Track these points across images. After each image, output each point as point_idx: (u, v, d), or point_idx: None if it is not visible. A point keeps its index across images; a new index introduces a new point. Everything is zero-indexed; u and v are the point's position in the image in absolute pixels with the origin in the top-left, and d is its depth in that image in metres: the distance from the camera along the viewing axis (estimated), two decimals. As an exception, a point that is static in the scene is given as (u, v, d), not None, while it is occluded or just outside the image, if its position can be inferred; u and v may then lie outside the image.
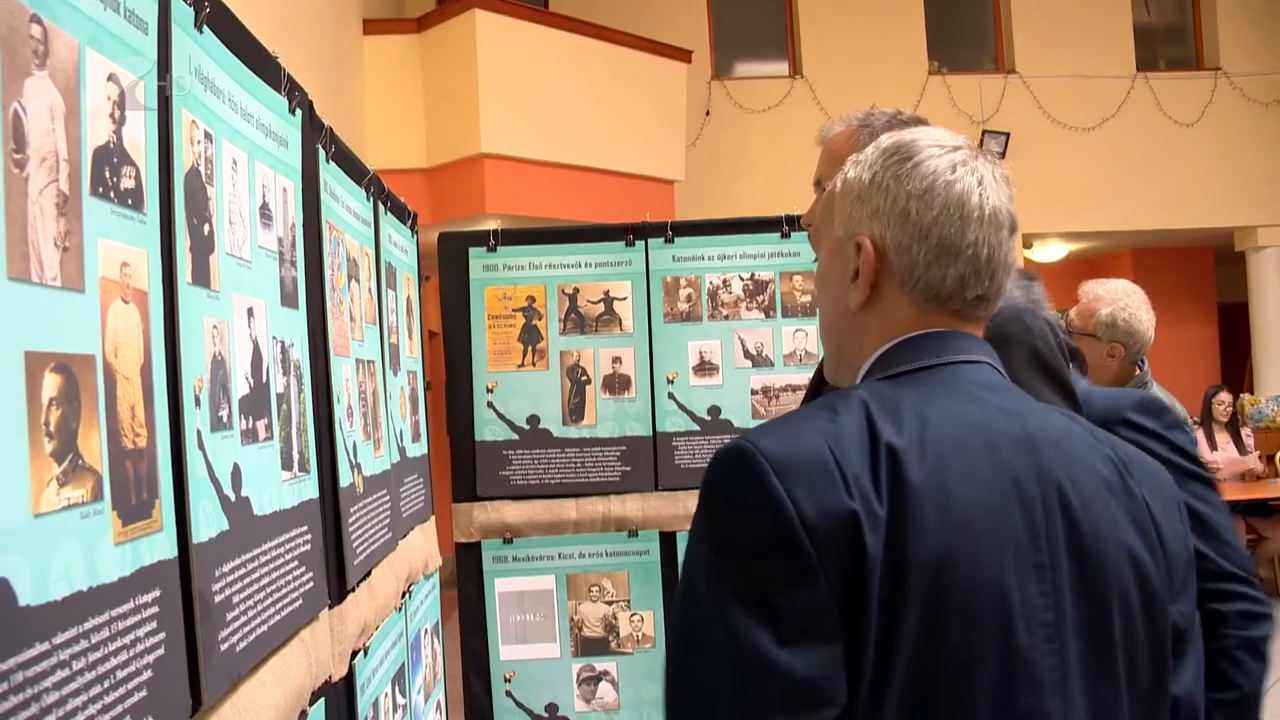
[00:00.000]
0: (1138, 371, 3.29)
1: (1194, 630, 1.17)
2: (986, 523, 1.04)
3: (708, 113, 10.41)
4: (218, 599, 1.40)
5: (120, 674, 1.10)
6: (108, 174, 1.15)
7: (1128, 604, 1.09)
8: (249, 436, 1.58)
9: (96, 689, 1.05)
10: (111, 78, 1.18)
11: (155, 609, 1.20)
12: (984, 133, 10.52)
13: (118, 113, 1.19)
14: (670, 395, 3.90)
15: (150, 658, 1.18)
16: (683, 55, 8.99)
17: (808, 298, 3.90)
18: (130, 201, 1.21)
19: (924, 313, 1.16)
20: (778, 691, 0.97)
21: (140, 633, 1.16)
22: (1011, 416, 1.11)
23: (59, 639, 0.99)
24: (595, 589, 3.88)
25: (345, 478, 2.16)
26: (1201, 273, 12.32)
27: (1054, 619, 1.04)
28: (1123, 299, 3.17)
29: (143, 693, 1.15)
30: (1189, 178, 10.88)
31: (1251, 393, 10.84)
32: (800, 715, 0.97)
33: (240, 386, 1.56)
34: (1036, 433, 1.11)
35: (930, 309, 1.16)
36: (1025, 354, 1.66)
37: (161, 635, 1.21)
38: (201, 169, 1.46)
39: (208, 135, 1.49)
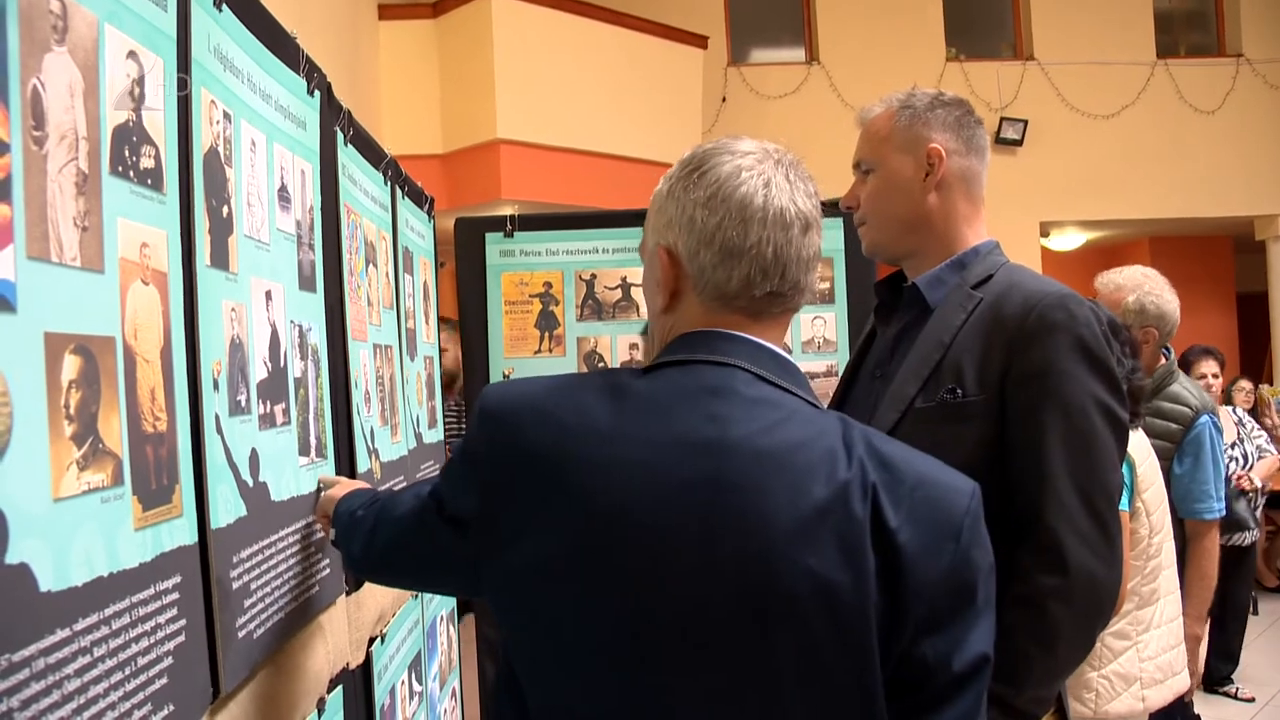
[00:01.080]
0: (1163, 360, 3.26)
1: (954, 669, 1.11)
2: (644, 515, 1.11)
3: (724, 99, 10.37)
4: (236, 586, 1.39)
5: (141, 661, 1.09)
6: (127, 153, 1.14)
7: (803, 622, 1.08)
8: (267, 421, 1.57)
9: (118, 675, 1.04)
10: (131, 55, 1.16)
11: (176, 595, 1.19)
12: (1002, 120, 10.46)
13: (137, 90, 1.17)
14: (687, 382, 3.88)
15: (171, 645, 1.16)
16: (699, 41, 8.95)
17: (826, 284, 3.87)
18: (150, 181, 1.19)
19: (710, 312, 1.23)
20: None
21: (161, 619, 1.14)
22: (715, 423, 1.15)
23: (80, 625, 0.97)
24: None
25: (363, 463, 2.14)
26: (1220, 262, 12.23)
27: (694, 622, 1.09)
28: (1145, 283, 3.14)
29: (164, 680, 1.13)
30: (1208, 166, 10.79)
31: (1271, 383, 10.75)
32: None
33: (258, 370, 1.55)
34: (737, 442, 1.13)
35: (717, 308, 1.23)
36: (1069, 342, 1.63)
37: (182, 622, 1.20)
38: (220, 150, 1.44)
39: (226, 115, 1.47)
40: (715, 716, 1.09)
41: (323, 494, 1.72)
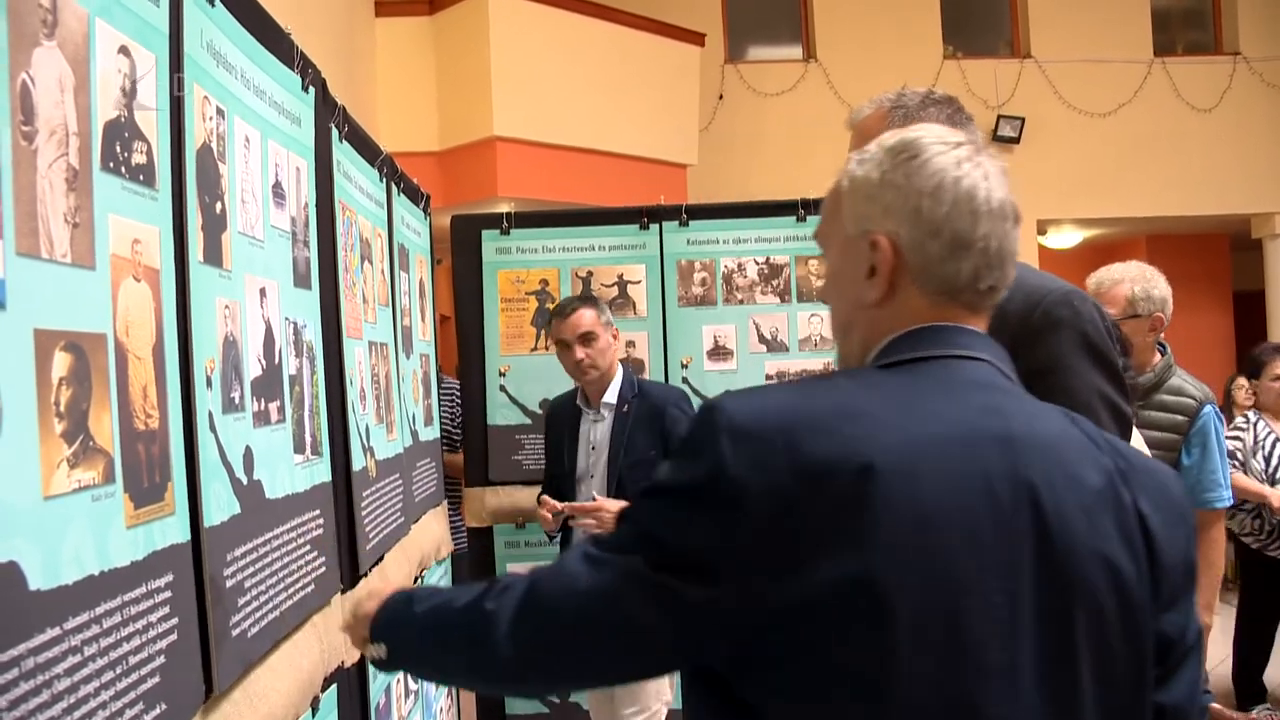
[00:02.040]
0: (1159, 357, 3.27)
1: (1187, 641, 1.17)
2: (946, 517, 1.05)
3: (721, 96, 10.34)
4: (229, 584, 1.38)
5: (133, 659, 1.08)
6: (119, 149, 1.13)
7: (1098, 610, 1.09)
8: (261, 419, 1.56)
9: (109, 675, 1.03)
10: (123, 50, 1.15)
11: (168, 594, 1.18)
12: (999, 117, 10.44)
13: (129, 86, 1.16)
14: (684, 380, 3.87)
15: (163, 643, 1.15)
16: (696, 38, 8.93)
17: (823, 282, 3.87)
18: (142, 178, 1.18)
19: (935, 305, 1.18)
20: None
21: (153, 618, 1.14)
22: (996, 415, 1.12)
23: (70, 624, 0.97)
24: (607, 574, 3.85)
25: (358, 461, 2.14)
26: (1217, 260, 12.22)
27: (1009, 618, 1.06)
28: (1142, 272, 3.19)
29: (155, 679, 1.12)
30: (1205, 164, 10.78)
31: (1267, 381, 10.75)
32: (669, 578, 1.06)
33: (252, 368, 1.54)
34: (1021, 434, 1.11)
35: (942, 302, 1.18)
36: (1074, 337, 1.64)
37: (174, 620, 1.19)
38: (214, 146, 1.43)
39: (220, 112, 1.47)
40: (1027, 711, 1.08)
41: (355, 609, 1.33)
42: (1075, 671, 1.09)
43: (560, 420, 3.43)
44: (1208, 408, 3.26)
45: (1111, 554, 1.10)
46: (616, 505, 3.24)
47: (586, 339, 3.26)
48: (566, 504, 3.14)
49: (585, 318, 3.27)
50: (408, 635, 1.27)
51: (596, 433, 3.36)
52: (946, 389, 1.13)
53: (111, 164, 1.11)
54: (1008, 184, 1.19)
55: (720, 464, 1.06)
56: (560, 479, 3.37)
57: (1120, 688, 1.12)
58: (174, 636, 1.18)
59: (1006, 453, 1.10)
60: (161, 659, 1.15)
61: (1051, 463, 1.11)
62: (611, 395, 3.35)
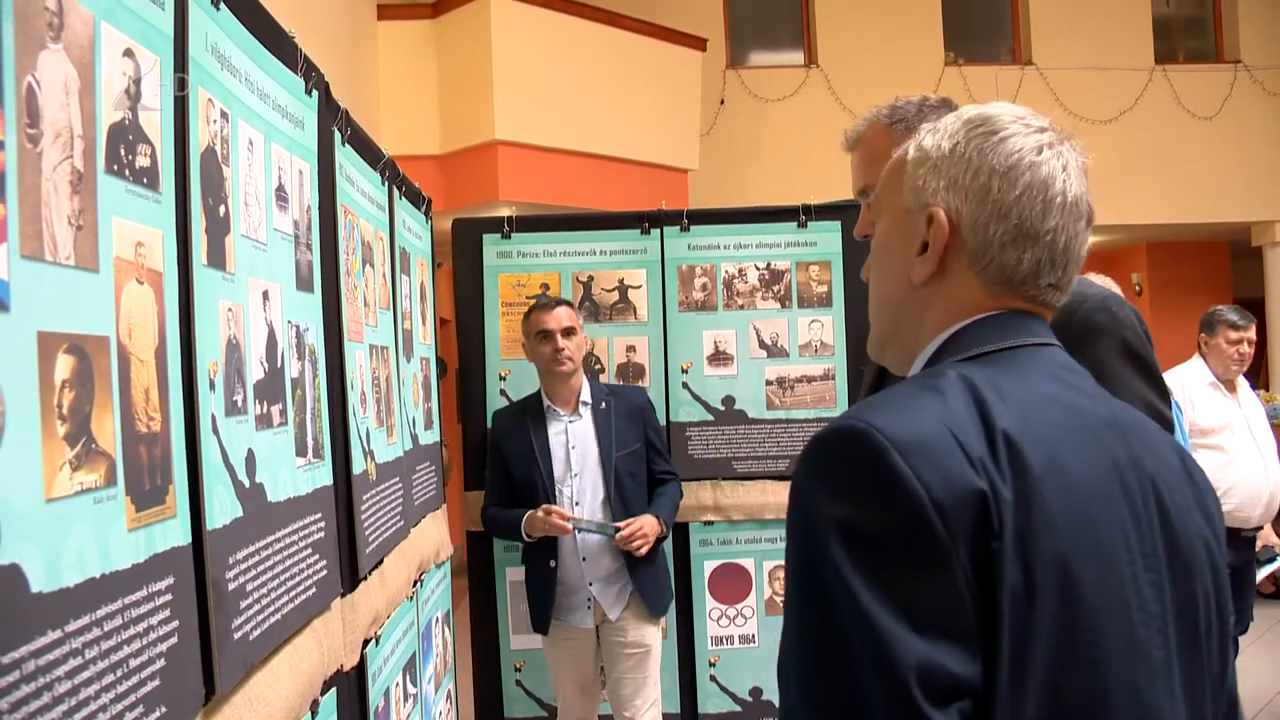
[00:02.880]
0: None
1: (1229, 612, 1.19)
2: (1102, 511, 1.01)
3: (722, 101, 10.36)
4: (231, 587, 1.38)
5: (133, 663, 1.08)
6: (123, 152, 1.13)
7: (1207, 593, 1.08)
8: (263, 422, 1.56)
9: (109, 678, 1.03)
10: (128, 53, 1.15)
11: (169, 596, 1.18)
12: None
13: (134, 89, 1.16)
14: (684, 385, 3.88)
15: (164, 646, 1.15)
16: (698, 43, 8.94)
17: (824, 288, 3.87)
18: (145, 180, 1.18)
19: (993, 296, 1.11)
20: (923, 688, 0.90)
21: (154, 620, 1.13)
22: (1098, 402, 1.09)
23: (71, 626, 0.97)
24: (607, 579, 3.85)
25: (358, 465, 2.14)
26: (1217, 268, 12.23)
27: (1160, 610, 1.03)
28: (1112, 287, 3.20)
29: (156, 681, 1.12)
30: (1206, 172, 10.79)
31: (1268, 389, 10.77)
32: (946, 708, 0.91)
33: (255, 371, 1.54)
34: (1120, 420, 1.08)
35: (1000, 293, 1.11)
36: (1114, 344, 1.63)
37: (175, 623, 1.19)
38: (218, 149, 1.43)
39: (224, 115, 1.47)
40: (1179, 706, 1.05)
41: None
42: (1201, 660, 1.07)
43: (516, 430, 3.48)
44: (1173, 399, 3.36)
45: (1205, 535, 1.10)
46: (652, 522, 3.31)
47: (569, 332, 3.39)
48: (589, 521, 3.25)
49: (568, 312, 3.44)
50: None
51: (576, 432, 3.40)
52: (1054, 379, 1.08)
53: (115, 167, 1.11)
54: (1087, 182, 1.12)
55: (910, 491, 0.92)
56: (525, 487, 3.41)
57: (1220, 673, 1.11)
58: (175, 639, 1.18)
59: (1120, 439, 1.07)
60: (162, 661, 1.14)
61: (1150, 447, 1.09)
62: (587, 394, 3.46)
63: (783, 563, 4.00)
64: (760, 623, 3.87)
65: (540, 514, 3.29)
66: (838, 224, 3.88)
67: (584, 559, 3.36)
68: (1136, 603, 1.01)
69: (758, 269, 3.89)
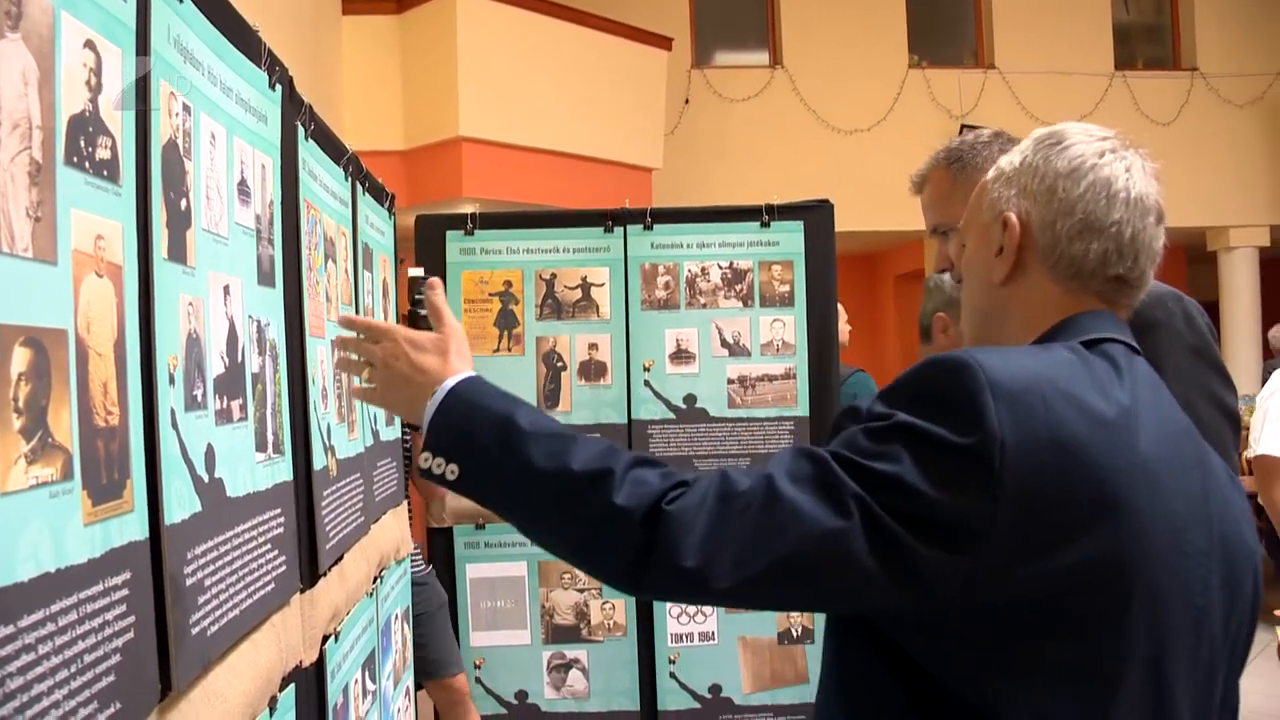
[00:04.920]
0: None
1: None
2: (1178, 502, 1.07)
3: (687, 101, 10.38)
4: (189, 582, 1.37)
5: (88, 658, 1.07)
6: (83, 143, 1.12)
7: (1245, 594, 1.14)
8: (223, 417, 1.55)
9: (63, 673, 1.02)
10: (89, 44, 1.14)
11: (125, 591, 1.17)
12: (963, 127, 10.53)
13: (94, 80, 1.15)
14: (646, 383, 3.88)
15: (119, 641, 1.15)
16: (663, 43, 8.96)
17: (786, 288, 3.89)
18: (106, 173, 1.17)
19: (1068, 292, 1.18)
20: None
21: (109, 615, 1.13)
22: (1173, 405, 1.15)
23: (24, 622, 0.96)
24: (567, 576, 3.86)
25: (319, 460, 2.13)
26: (1173, 272, 12.36)
27: (1209, 606, 1.09)
28: None
29: (111, 677, 1.12)
30: (1163, 177, 10.80)
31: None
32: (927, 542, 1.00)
33: (215, 365, 1.53)
34: (1192, 430, 1.16)
35: (1074, 288, 1.18)
36: (1172, 338, 1.64)
37: (132, 619, 1.18)
38: (180, 142, 1.42)
39: (186, 108, 1.46)
40: (1197, 693, 1.10)
41: (391, 355, 1.27)
42: (1233, 664, 1.15)
43: None
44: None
45: (1249, 538, 1.16)
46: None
47: None
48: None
49: None
50: (507, 475, 1.13)
51: None
52: (1133, 373, 1.13)
53: (75, 159, 1.10)
54: (1156, 185, 1.21)
55: (987, 424, 1.00)
56: None
57: (1238, 670, 1.18)
58: (131, 635, 1.18)
59: (1193, 440, 1.14)
60: (118, 657, 1.14)
61: (1206, 450, 1.16)
62: None
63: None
64: (720, 620, 3.88)
65: None
66: (800, 224, 3.90)
67: None
68: (1201, 602, 1.08)
69: (720, 268, 3.91)
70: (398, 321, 3.77)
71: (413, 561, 3.70)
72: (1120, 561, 1.01)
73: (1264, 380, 5.94)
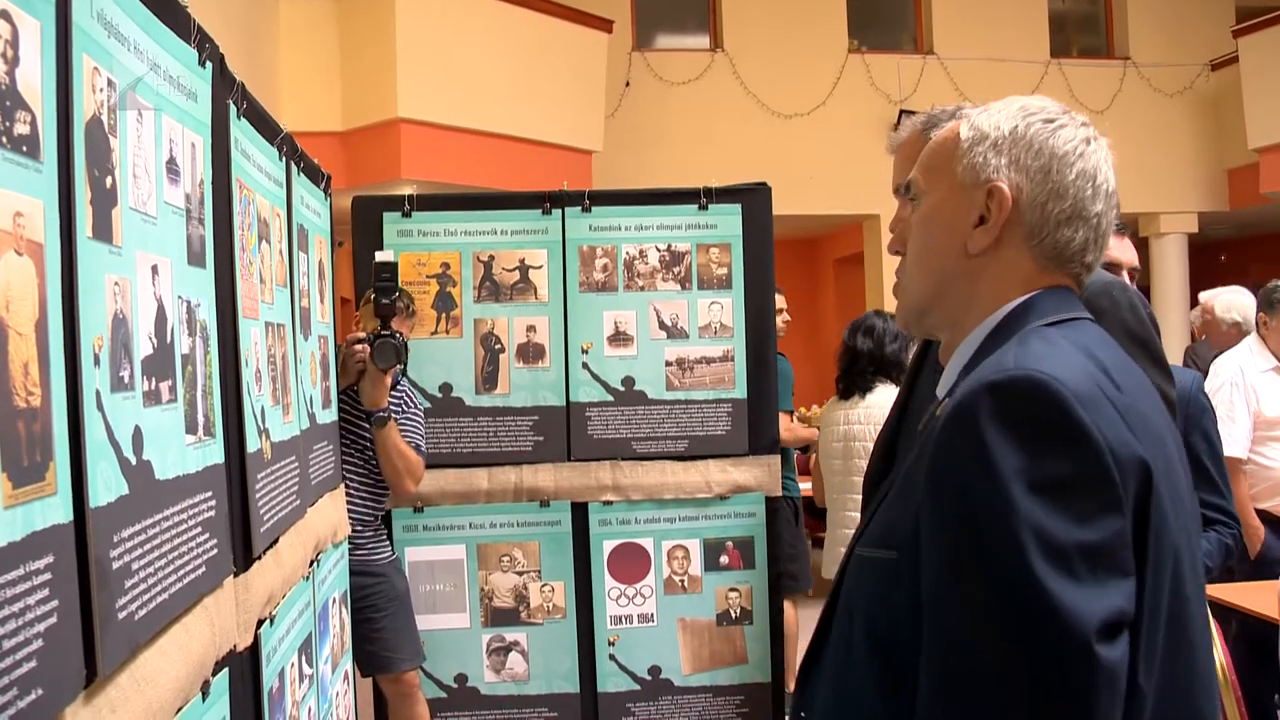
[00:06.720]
0: None
1: None
2: (1184, 487, 1.12)
3: (627, 84, 10.36)
4: (116, 565, 1.35)
5: (8, 644, 1.05)
6: (0, 118, 1.10)
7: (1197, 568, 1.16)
8: (151, 398, 1.53)
9: (-17, 658, 1.00)
10: (3, 15, 1.12)
11: (48, 575, 1.15)
12: (901, 112, 10.62)
13: (10, 52, 1.13)
14: (584, 365, 3.88)
15: (41, 627, 1.13)
16: (604, 25, 8.94)
17: (724, 270, 3.91)
18: (25, 149, 1.15)
19: (1044, 271, 1.20)
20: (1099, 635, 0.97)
21: (30, 600, 1.11)
22: (1130, 362, 1.19)
23: (-57, 606, 0.94)
24: (506, 559, 3.86)
25: (253, 443, 2.11)
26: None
27: (1197, 557, 1.13)
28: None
29: (32, 663, 1.10)
30: (1100, 163, 11.12)
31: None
32: (1116, 640, 0.98)
33: (143, 346, 1.51)
34: (1143, 374, 1.20)
35: (1050, 268, 1.20)
36: (1115, 326, 1.68)
37: (54, 603, 1.16)
38: (104, 118, 1.40)
39: (110, 84, 1.43)
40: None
41: None
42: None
43: None
44: None
45: (1195, 509, 1.19)
46: None
47: None
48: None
49: None
50: None
51: None
52: (1105, 346, 1.16)
53: (-7, 134, 1.08)
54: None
55: (1094, 441, 1.01)
56: None
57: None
58: (54, 619, 1.16)
59: (1165, 413, 1.18)
60: (39, 643, 1.12)
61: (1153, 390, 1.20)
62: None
63: (680, 543, 4.01)
64: (659, 602, 3.90)
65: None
66: (738, 207, 3.92)
67: None
68: (1195, 593, 1.10)
69: (658, 250, 3.91)
70: (357, 305, 3.75)
71: (374, 549, 3.67)
72: (1157, 528, 1.05)
73: (1186, 363, 6.04)
